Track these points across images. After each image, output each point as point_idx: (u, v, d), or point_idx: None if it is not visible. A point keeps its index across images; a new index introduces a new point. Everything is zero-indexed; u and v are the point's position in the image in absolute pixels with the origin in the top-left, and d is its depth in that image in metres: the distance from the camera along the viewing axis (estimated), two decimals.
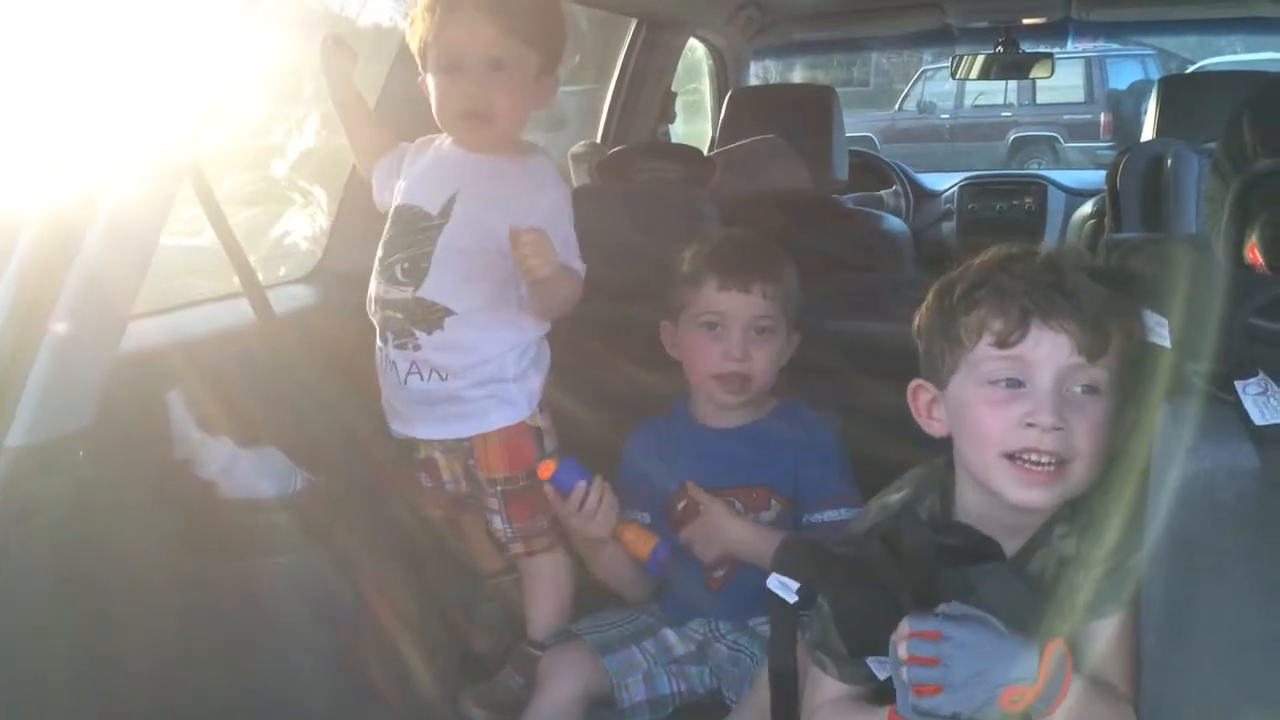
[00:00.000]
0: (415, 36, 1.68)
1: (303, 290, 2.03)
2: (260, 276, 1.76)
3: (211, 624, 1.57)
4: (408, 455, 1.85)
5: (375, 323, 1.76)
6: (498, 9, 1.62)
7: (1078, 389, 1.23)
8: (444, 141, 1.77)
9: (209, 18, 1.41)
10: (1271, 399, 1.01)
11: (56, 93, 1.29)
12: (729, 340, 1.73)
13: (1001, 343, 1.24)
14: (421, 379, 1.72)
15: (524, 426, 1.77)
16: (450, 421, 1.76)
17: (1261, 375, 1.03)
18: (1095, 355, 1.22)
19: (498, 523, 1.80)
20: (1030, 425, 1.22)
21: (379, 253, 1.76)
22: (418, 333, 1.70)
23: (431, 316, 1.70)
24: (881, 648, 1.22)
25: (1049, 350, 1.22)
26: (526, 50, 1.66)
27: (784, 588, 1.30)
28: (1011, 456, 1.23)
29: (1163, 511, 1.08)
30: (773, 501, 1.76)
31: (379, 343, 1.76)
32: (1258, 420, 1.01)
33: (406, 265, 1.71)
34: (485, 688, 1.86)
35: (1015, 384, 1.24)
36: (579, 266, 1.70)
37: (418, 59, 1.71)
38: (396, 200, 1.76)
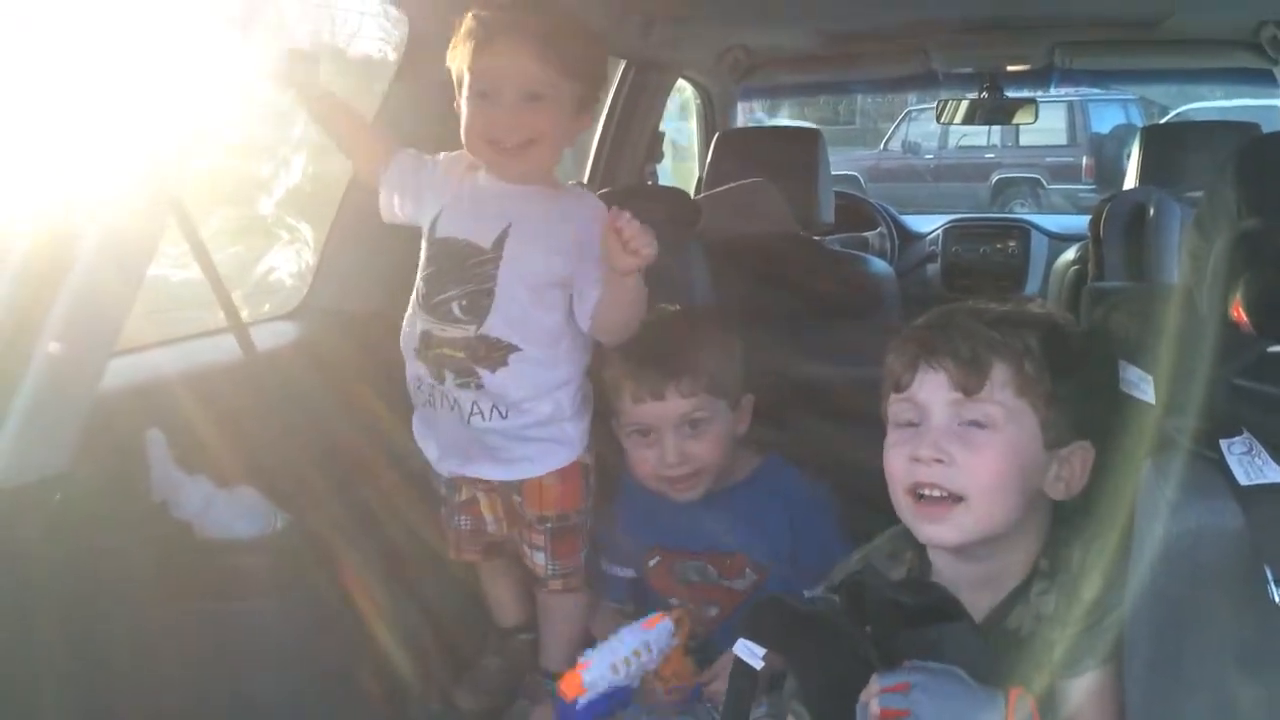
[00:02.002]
0: (454, 61, 1.67)
1: (287, 327, 2.02)
2: (246, 312, 1.76)
3: (189, 668, 1.55)
4: (422, 493, 1.85)
5: (424, 362, 1.72)
6: (537, 41, 1.61)
7: (963, 424, 1.27)
8: (481, 172, 1.74)
9: (196, 50, 1.41)
10: (1256, 458, 1.02)
11: (42, 124, 1.29)
12: (662, 446, 1.69)
13: (897, 386, 1.32)
14: (484, 418, 1.70)
15: (577, 465, 1.77)
16: (515, 464, 1.75)
17: (1246, 434, 1.03)
18: (972, 390, 1.27)
19: (540, 559, 1.79)
20: (915, 460, 1.27)
21: (420, 288, 1.72)
22: (481, 371, 1.67)
23: (496, 354, 1.67)
24: (848, 717, 1.21)
25: (931, 389, 1.29)
26: (564, 82, 1.63)
27: (751, 654, 1.30)
28: (914, 495, 1.28)
29: (1146, 569, 1.09)
30: (747, 570, 1.74)
31: (431, 381, 1.72)
32: (1242, 480, 1.01)
33: (465, 302, 1.68)
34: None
35: (911, 425, 1.30)
36: (643, 284, 1.67)
37: (455, 83, 1.68)
38: (437, 233, 1.72)
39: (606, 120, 3.46)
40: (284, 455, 1.72)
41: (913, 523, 1.30)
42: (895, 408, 1.33)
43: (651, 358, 1.70)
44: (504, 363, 1.67)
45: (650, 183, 3.65)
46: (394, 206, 1.77)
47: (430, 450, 1.81)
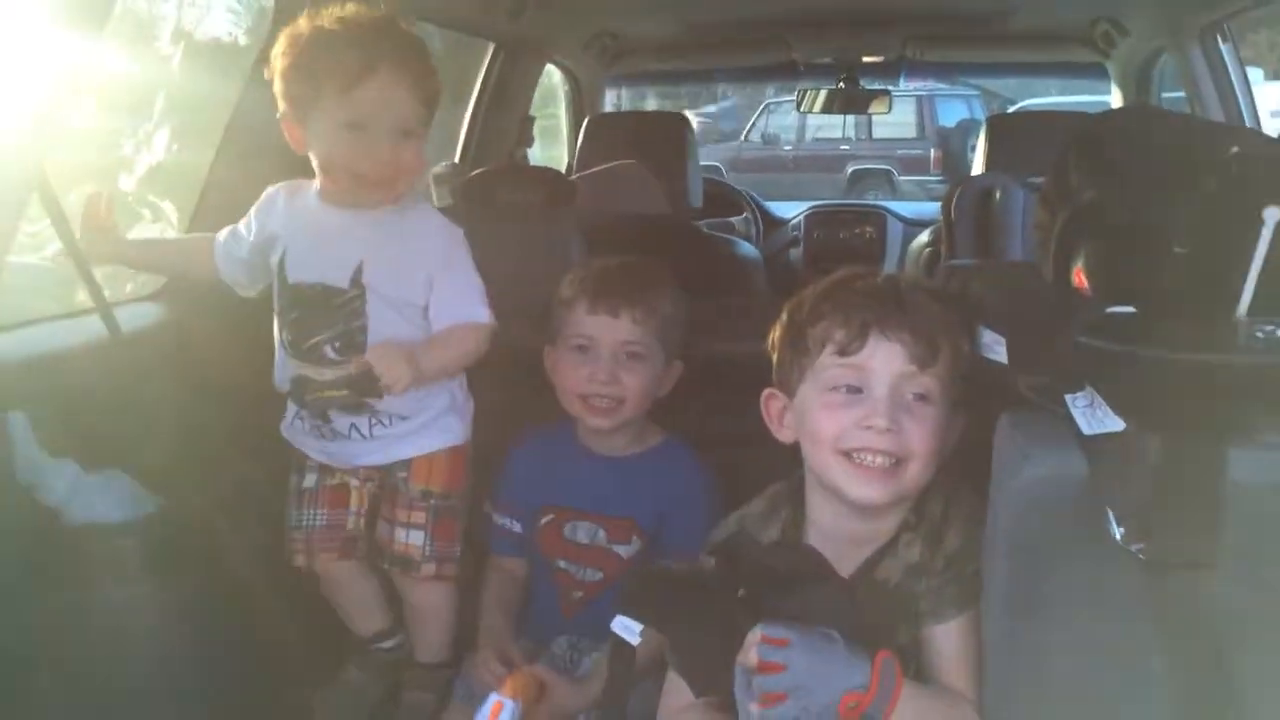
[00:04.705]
0: (296, 76, 1.58)
1: (151, 308, 1.95)
2: (106, 293, 1.70)
3: (56, 658, 1.50)
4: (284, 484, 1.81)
5: (303, 406, 1.71)
6: (413, 78, 1.58)
7: (911, 395, 1.33)
8: (309, 198, 1.69)
9: (55, 31, 1.36)
10: (1098, 410, 1.10)
11: None
12: (597, 363, 1.75)
13: (842, 351, 1.34)
14: (386, 425, 1.71)
15: (465, 447, 1.79)
16: (407, 440, 1.74)
17: (1089, 389, 1.12)
18: (926, 364, 1.32)
19: (418, 539, 1.76)
20: (866, 428, 1.31)
21: (285, 335, 1.69)
22: (369, 400, 1.67)
23: (380, 381, 1.63)
24: (724, 686, 1.27)
25: (885, 358, 1.32)
26: (426, 113, 1.63)
27: (628, 630, 1.33)
28: (848, 454, 1.32)
29: (1002, 516, 1.17)
30: (634, 538, 1.79)
31: (316, 422, 1.71)
32: (1085, 430, 1.10)
33: (339, 343, 1.66)
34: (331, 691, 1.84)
35: (854, 390, 1.33)
36: (484, 315, 1.68)
37: (285, 94, 1.60)
38: (288, 278, 1.68)
39: (476, 104, 3.45)
40: (153, 439, 1.67)
41: (843, 482, 1.33)
42: (834, 371, 1.34)
43: (619, 280, 1.78)
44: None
45: None
46: (245, 287, 1.77)
47: (311, 449, 1.78)
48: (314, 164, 1.64)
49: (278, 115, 1.63)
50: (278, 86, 1.61)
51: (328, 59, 1.56)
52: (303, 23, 1.59)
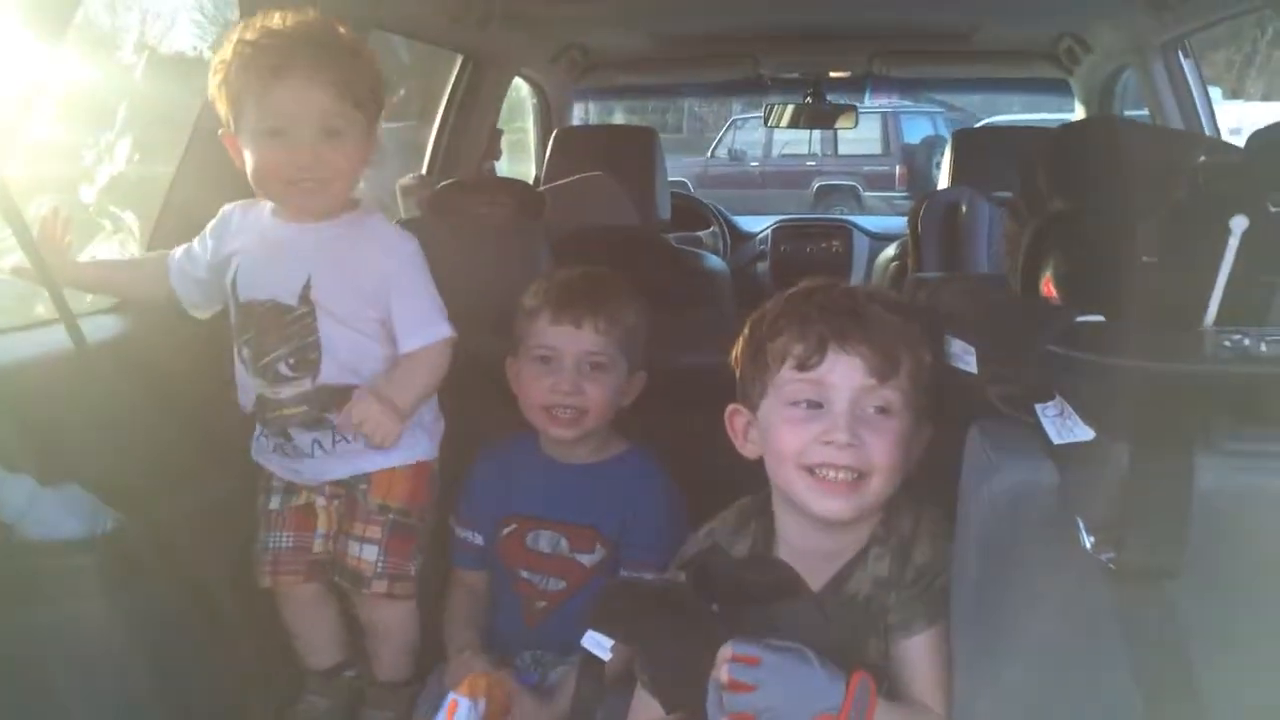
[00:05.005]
0: (224, 92, 1.57)
1: (111, 320, 1.92)
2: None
3: (8, 678, 1.46)
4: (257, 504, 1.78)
5: (265, 426, 1.69)
6: (332, 77, 1.55)
7: (871, 409, 1.32)
8: (263, 215, 1.68)
9: (13, 40, 1.34)
10: (1068, 420, 1.11)
11: None
12: (560, 373, 1.74)
13: (801, 366, 1.33)
14: (349, 440, 1.68)
15: (430, 465, 1.77)
16: (373, 455, 1.71)
17: (1058, 398, 1.12)
18: (886, 377, 1.31)
19: (371, 554, 1.72)
20: (827, 443, 1.30)
21: (243, 353, 1.67)
22: (329, 416, 1.65)
23: (339, 396, 1.64)
24: (694, 701, 1.26)
25: (844, 373, 1.31)
26: (357, 114, 1.59)
27: (599, 646, 1.32)
28: (810, 469, 1.31)
29: (970, 526, 1.17)
30: (598, 546, 1.78)
31: (278, 440, 1.70)
32: (1055, 440, 1.10)
33: (293, 360, 1.64)
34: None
35: (814, 405, 1.32)
36: (445, 331, 1.66)
37: (223, 113, 1.59)
38: (239, 295, 1.67)
39: (444, 116, 3.45)
40: (112, 453, 1.63)
41: (806, 497, 1.32)
42: (794, 386, 1.33)
43: (581, 290, 1.76)
44: (349, 398, 1.63)
45: None
46: (199, 308, 1.76)
47: (277, 468, 1.76)
48: (249, 179, 1.61)
49: (219, 133, 1.62)
50: (218, 108, 1.60)
51: (245, 69, 1.55)
52: (231, 36, 1.58)
